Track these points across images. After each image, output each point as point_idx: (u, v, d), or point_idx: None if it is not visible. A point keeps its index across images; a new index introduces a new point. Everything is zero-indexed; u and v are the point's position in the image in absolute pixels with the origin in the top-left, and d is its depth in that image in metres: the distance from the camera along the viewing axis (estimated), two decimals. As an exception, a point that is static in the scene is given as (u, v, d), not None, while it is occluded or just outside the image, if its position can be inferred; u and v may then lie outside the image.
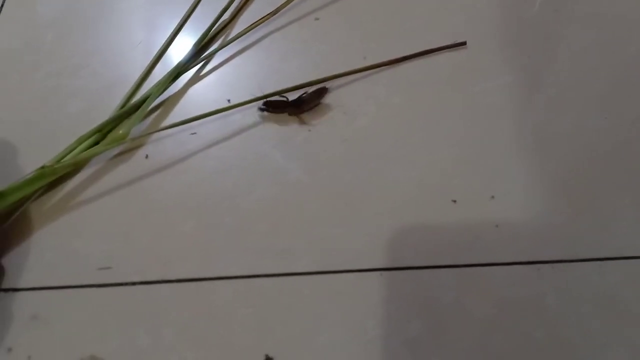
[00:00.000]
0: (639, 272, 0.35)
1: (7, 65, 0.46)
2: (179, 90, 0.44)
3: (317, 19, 0.46)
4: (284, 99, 0.41)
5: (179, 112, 0.42)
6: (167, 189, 0.39)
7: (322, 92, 0.41)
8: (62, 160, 0.38)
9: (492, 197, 0.37)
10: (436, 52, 0.43)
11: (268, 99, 0.41)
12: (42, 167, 0.37)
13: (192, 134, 0.41)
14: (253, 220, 0.37)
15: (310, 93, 0.41)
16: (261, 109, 0.41)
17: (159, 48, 0.44)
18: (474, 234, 0.36)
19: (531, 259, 0.35)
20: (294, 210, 0.38)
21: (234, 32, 0.46)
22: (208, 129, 0.41)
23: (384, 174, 0.39)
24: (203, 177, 0.39)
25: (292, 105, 0.41)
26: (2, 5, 0.49)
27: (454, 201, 0.37)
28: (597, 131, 0.40)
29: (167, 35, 0.45)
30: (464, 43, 0.44)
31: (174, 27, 0.45)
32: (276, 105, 0.41)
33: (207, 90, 0.43)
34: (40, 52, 0.46)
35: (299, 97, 0.41)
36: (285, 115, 0.41)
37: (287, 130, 0.41)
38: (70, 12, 0.49)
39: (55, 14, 0.48)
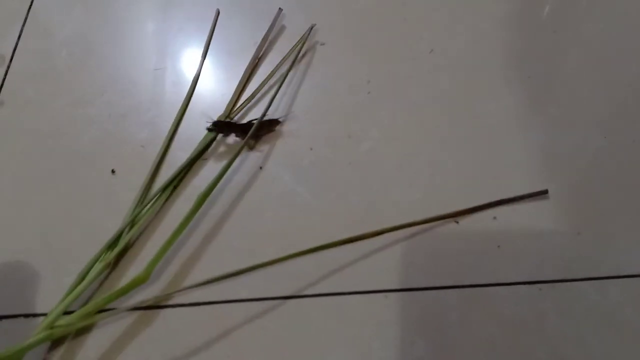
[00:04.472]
0: (639, 290, 0.35)
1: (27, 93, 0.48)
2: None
3: (322, 44, 0.47)
4: (232, 121, 0.43)
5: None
6: (180, 212, 0.40)
7: (274, 123, 0.43)
8: (72, 319, 0.34)
9: (494, 218, 0.38)
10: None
11: (216, 120, 0.42)
12: (52, 328, 0.34)
13: (204, 159, 0.42)
14: (263, 242, 0.39)
15: (262, 122, 0.42)
16: (209, 129, 0.42)
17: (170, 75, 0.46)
18: (477, 254, 0.37)
19: (532, 279, 0.36)
20: (302, 232, 0.39)
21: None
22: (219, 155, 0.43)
23: (388, 196, 0.40)
24: (213, 200, 0.41)
25: (240, 129, 0.42)
26: (19, 37, 0.51)
27: (457, 222, 0.38)
28: (598, 151, 0.41)
29: (177, 62, 0.46)
30: (545, 192, 0.39)
31: (184, 54, 0.47)
32: (224, 126, 0.42)
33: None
34: (57, 81, 0.48)
35: (249, 122, 0.42)
36: (288, 139, 0.43)
37: (295, 153, 0.42)
38: (85, 39, 0.51)
39: (70, 42, 0.50)
